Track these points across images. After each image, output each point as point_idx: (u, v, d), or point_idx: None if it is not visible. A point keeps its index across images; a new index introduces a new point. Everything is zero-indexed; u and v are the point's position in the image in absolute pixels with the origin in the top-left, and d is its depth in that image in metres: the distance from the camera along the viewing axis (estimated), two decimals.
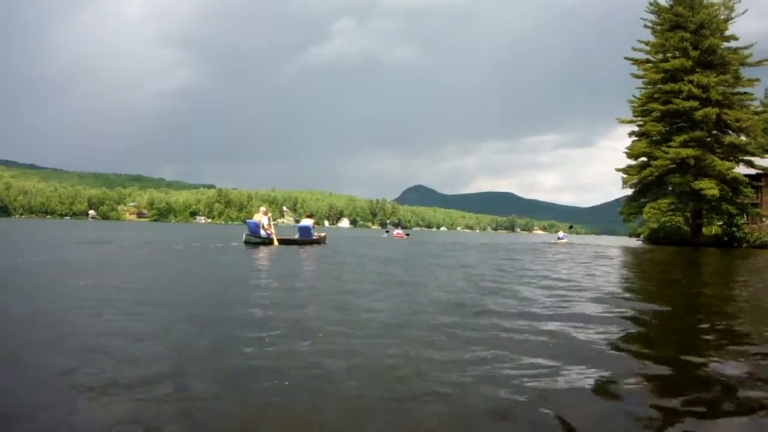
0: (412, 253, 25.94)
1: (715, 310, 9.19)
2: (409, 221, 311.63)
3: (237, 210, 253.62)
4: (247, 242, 24.82)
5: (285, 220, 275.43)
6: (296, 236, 27.98)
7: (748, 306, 9.83)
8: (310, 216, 31.77)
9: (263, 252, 20.56)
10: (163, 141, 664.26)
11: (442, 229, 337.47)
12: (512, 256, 24.73)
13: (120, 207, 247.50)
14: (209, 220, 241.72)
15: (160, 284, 10.05)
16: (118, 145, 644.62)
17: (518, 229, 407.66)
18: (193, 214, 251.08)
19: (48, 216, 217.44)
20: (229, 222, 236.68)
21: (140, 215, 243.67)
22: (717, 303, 10.22)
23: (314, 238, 28.66)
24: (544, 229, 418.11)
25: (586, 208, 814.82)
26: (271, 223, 25.99)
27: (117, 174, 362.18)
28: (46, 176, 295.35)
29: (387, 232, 68.49)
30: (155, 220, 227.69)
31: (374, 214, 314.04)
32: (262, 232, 25.18)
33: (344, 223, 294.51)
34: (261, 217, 25.51)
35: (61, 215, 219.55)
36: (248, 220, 26.34)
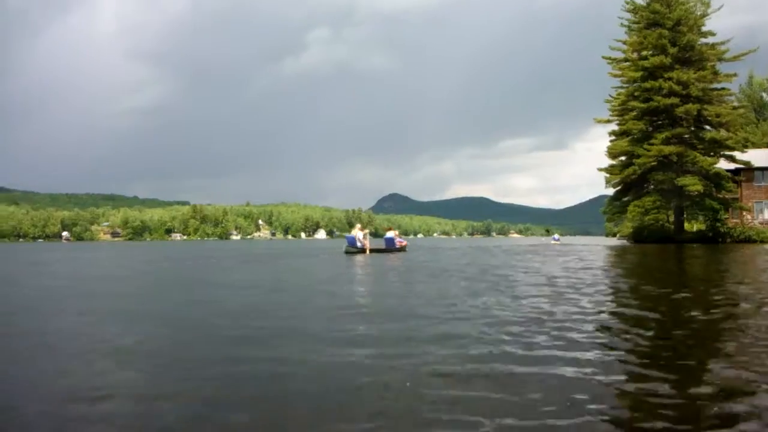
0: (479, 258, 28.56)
1: None
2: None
3: (213, 226, 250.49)
4: (347, 252, 32.71)
5: (261, 234, 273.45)
6: (383, 246, 36.11)
7: None
8: (391, 229, 40.11)
9: (360, 258, 28.23)
10: (135, 158, 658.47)
11: (419, 236, 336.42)
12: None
13: (94, 227, 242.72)
14: (185, 237, 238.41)
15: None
16: (89, 164, 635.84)
17: (494, 233, 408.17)
18: (169, 231, 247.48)
19: (21, 239, 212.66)
20: (206, 238, 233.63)
21: (115, 234, 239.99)
22: None
23: (398, 246, 36.48)
24: (519, 232, 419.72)
25: (560, 210, 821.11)
26: (366, 236, 34.19)
27: (89, 194, 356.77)
28: (17, 199, 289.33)
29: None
30: (130, 239, 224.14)
31: (351, 224, 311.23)
32: (358, 244, 33.11)
33: (321, 234, 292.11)
34: (357, 232, 34.02)
35: (34, 238, 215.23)
36: (347, 235, 36.23)
